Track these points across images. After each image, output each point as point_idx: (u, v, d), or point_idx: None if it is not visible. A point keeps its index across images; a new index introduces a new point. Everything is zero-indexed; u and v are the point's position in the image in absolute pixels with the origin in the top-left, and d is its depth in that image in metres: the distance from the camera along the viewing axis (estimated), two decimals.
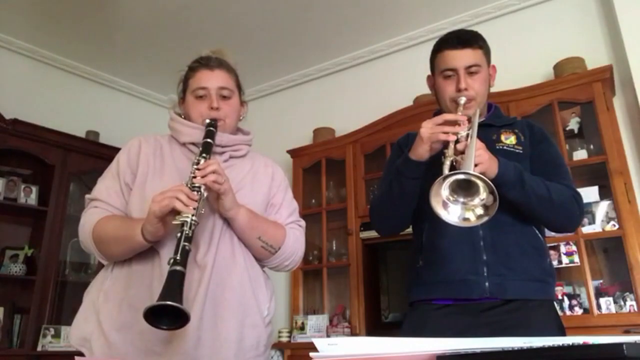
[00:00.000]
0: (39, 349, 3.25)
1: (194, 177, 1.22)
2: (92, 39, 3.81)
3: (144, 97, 4.62)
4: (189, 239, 1.14)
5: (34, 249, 3.42)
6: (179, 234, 1.15)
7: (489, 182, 1.15)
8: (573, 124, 2.85)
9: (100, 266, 3.78)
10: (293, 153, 3.80)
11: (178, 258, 1.10)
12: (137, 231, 1.21)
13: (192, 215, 1.16)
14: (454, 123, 1.31)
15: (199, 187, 1.21)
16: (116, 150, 3.90)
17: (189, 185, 1.21)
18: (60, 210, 3.51)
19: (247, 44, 3.79)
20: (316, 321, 3.35)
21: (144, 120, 4.50)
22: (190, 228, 1.15)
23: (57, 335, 3.32)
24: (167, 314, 1.03)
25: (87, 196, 1.40)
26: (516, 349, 0.58)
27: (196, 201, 1.18)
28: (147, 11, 3.47)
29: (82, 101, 4.16)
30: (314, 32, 3.74)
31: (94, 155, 3.75)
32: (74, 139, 3.72)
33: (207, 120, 1.39)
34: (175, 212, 1.17)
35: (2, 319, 3.20)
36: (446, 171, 1.22)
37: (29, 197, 3.48)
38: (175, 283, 1.06)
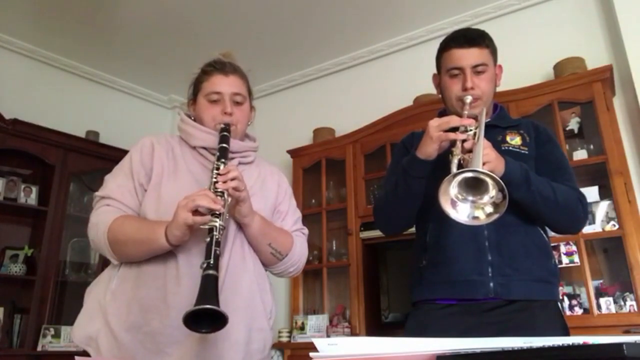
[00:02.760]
0: (39, 349, 3.25)
1: (216, 182, 1.23)
2: (92, 39, 3.81)
3: (144, 97, 4.62)
4: (218, 244, 1.15)
5: (34, 249, 3.42)
6: (208, 239, 1.15)
7: (499, 179, 1.14)
8: (573, 124, 2.85)
9: (101, 266, 3.76)
10: (293, 153, 3.80)
11: (212, 262, 1.11)
12: (160, 235, 1.21)
13: (220, 220, 1.17)
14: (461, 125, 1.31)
15: (222, 193, 1.22)
16: (116, 150, 3.89)
17: (211, 190, 1.21)
18: (60, 210, 3.51)
19: (247, 44, 3.79)
20: (316, 321, 3.35)
21: (144, 120, 4.50)
22: (219, 232, 1.16)
23: (57, 335, 3.32)
24: (201, 317, 1.04)
25: (96, 193, 1.37)
26: (516, 349, 0.58)
27: (222, 206, 1.19)
28: (147, 11, 3.47)
29: (82, 101, 4.16)
30: (314, 32, 3.74)
31: (94, 155, 3.75)
32: (74, 139, 3.72)
33: (221, 125, 1.39)
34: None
35: (2, 319, 3.20)
36: (454, 169, 1.22)
37: (29, 197, 3.48)
38: (211, 287, 1.08)
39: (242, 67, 1.50)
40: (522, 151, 1.47)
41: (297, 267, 1.47)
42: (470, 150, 1.26)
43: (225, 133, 1.37)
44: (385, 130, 3.39)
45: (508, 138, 1.50)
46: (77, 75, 4.17)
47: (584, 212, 1.45)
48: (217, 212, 1.18)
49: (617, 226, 2.58)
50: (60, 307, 3.49)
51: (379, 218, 1.56)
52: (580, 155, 2.77)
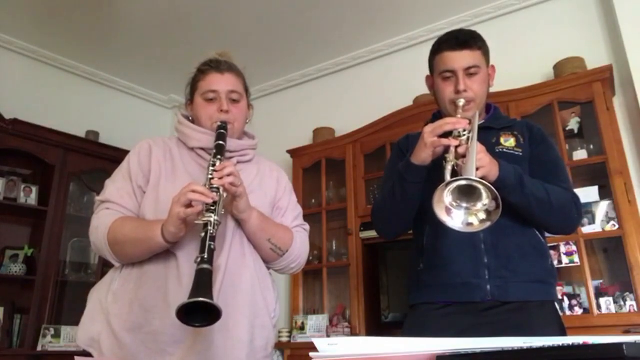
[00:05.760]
0: (39, 349, 3.25)
1: (212, 178, 1.23)
2: (92, 39, 3.81)
3: (144, 97, 4.62)
4: (213, 239, 1.15)
5: (34, 249, 3.42)
6: (203, 234, 1.16)
7: (492, 188, 1.14)
8: (573, 124, 2.85)
9: (102, 267, 3.75)
10: (293, 153, 3.80)
11: (206, 257, 1.11)
12: (157, 232, 1.22)
13: (215, 215, 1.17)
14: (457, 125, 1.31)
15: (218, 188, 1.22)
16: (116, 150, 3.88)
17: (207, 187, 1.21)
18: (60, 210, 3.51)
19: (247, 44, 3.79)
20: (316, 321, 3.35)
21: (144, 120, 4.51)
22: (214, 227, 1.16)
23: (57, 335, 3.32)
24: (197, 312, 1.04)
25: (97, 198, 1.39)
26: (516, 349, 0.58)
27: (216, 202, 1.19)
28: (147, 11, 3.47)
29: (82, 101, 4.16)
30: (313, 32, 3.74)
31: (94, 155, 3.76)
32: (74, 139, 3.72)
33: (218, 123, 1.39)
34: (198, 213, 1.18)
35: (2, 319, 3.20)
36: (448, 176, 1.22)
37: (29, 197, 3.48)
38: (205, 281, 1.08)
39: (238, 66, 1.50)
40: (517, 153, 1.47)
41: (299, 263, 1.46)
42: (464, 156, 1.26)
43: (221, 131, 1.37)
44: (385, 130, 3.39)
45: (502, 140, 1.49)
46: (77, 75, 4.17)
47: (578, 214, 1.45)
48: (212, 207, 1.18)
49: (617, 226, 2.58)
50: (60, 307, 3.49)
51: (377, 222, 1.56)
52: (580, 155, 2.77)
